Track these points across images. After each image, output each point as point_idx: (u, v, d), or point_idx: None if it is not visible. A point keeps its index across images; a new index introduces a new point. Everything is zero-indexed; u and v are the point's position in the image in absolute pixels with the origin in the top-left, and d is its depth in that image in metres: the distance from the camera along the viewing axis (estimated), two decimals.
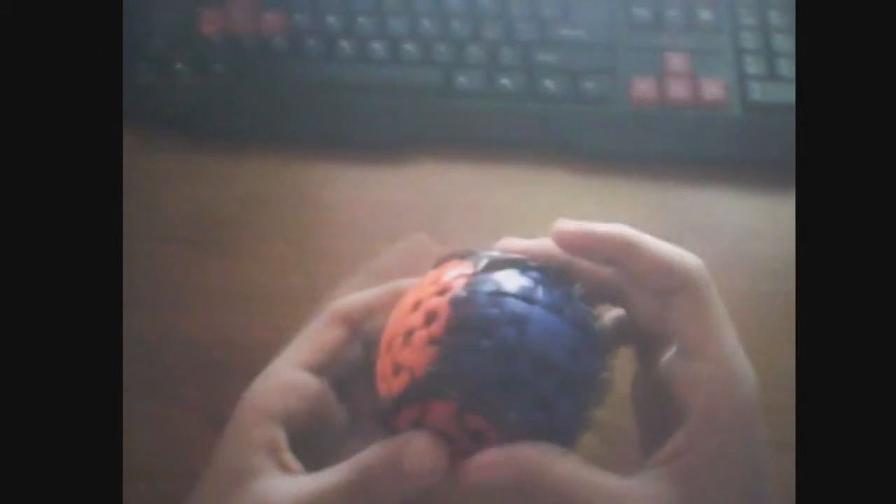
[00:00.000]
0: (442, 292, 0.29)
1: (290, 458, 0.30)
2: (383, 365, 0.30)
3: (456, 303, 0.28)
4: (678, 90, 0.51)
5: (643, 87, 0.51)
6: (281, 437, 0.30)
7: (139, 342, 0.43)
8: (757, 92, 0.51)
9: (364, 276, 0.34)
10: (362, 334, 0.33)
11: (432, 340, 0.28)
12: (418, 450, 0.28)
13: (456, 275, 0.30)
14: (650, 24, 0.55)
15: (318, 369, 0.32)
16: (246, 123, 0.53)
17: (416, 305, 0.29)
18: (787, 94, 0.51)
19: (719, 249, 0.47)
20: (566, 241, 0.31)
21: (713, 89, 0.51)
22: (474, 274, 0.29)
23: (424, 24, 0.54)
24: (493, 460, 0.27)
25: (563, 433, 0.28)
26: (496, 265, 0.30)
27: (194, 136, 0.53)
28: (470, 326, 0.28)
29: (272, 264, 0.47)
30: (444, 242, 0.47)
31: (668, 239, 0.30)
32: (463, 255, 0.31)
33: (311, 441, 0.31)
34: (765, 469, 0.28)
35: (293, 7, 0.56)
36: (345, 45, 0.53)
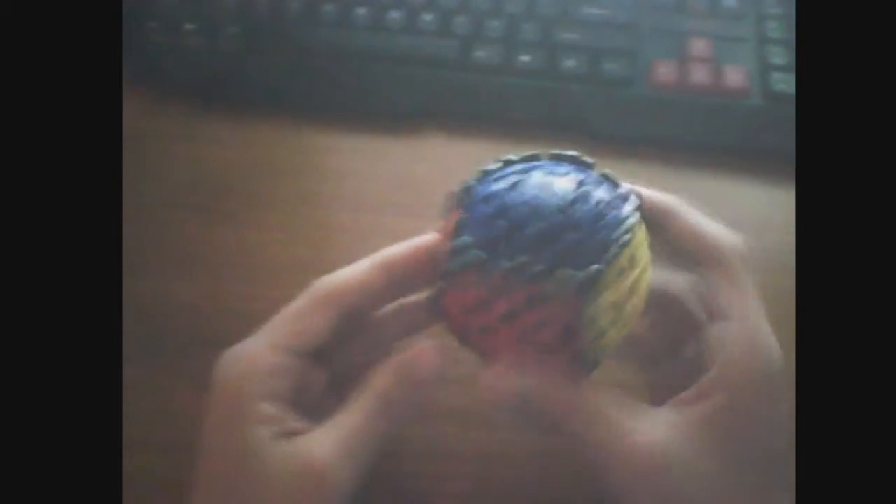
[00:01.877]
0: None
1: (295, 421, 0.30)
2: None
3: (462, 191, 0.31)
4: (700, 76, 0.50)
5: (664, 71, 0.50)
6: (274, 409, 0.30)
7: (140, 309, 0.42)
8: (780, 82, 0.50)
9: (368, 265, 0.32)
10: (348, 312, 0.32)
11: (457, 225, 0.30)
12: (426, 358, 0.30)
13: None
14: (674, 6, 0.53)
15: (303, 353, 0.31)
16: (256, 88, 0.52)
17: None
18: None
19: None
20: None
21: (735, 77, 0.50)
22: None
23: None
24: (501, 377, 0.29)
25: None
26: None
27: (202, 100, 0.52)
28: (477, 199, 0.30)
29: (279, 234, 0.46)
30: None
31: None
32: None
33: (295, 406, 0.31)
34: (783, 443, 0.29)
35: None
36: (361, 11, 0.52)
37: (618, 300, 0.29)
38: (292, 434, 0.29)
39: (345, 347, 0.33)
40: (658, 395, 0.30)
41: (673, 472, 0.27)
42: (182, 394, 0.40)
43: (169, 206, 0.47)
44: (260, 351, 0.31)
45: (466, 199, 0.30)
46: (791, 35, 0.52)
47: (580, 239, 0.28)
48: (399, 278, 0.32)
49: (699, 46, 0.51)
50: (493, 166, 0.32)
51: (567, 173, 0.30)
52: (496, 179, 0.31)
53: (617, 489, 0.28)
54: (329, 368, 0.33)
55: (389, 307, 0.34)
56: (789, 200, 0.47)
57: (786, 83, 0.50)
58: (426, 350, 0.30)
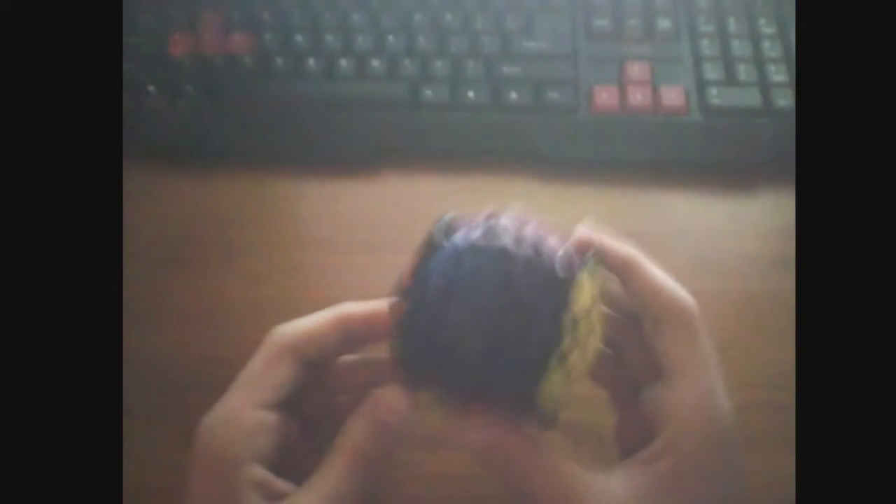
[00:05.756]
0: None
1: (280, 483, 0.30)
2: None
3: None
4: (638, 98, 0.52)
5: (604, 96, 0.53)
6: (263, 472, 0.30)
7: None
8: (715, 97, 0.52)
9: (327, 319, 0.33)
10: (309, 362, 0.33)
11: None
12: (390, 400, 0.30)
13: None
14: (610, 34, 0.56)
15: (276, 405, 0.32)
16: (217, 142, 0.54)
17: None
18: (745, 98, 0.52)
19: (683, 251, 0.48)
20: (581, 248, 0.31)
21: (672, 96, 0.53)
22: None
23: (390, 40, 0.55)
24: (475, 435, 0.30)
25: None
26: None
27: (167, 157, 0.54)
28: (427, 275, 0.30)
29: (244, 279, 0.48)
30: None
31: (631, 241, 0.32)
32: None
33: (278, 465, 0.32)
34: (736, 489, 0.30)
35: (261, 27, 0.57)
36: (313, 62, 0.55)
37: (570, 369, 0.29)
38: (278, 498, 0.30)
39: (310, 396, 0.33)
40: (610, 451, 0.32)
41: None
42: (155, 440, 0.41)
43: (138, 259, 0.49)
44: (241, 411, 0.31)
45: (422, 265, 0.30)
46: (724, 50, 0.55)
47: (523, 326, 0.28)
48: (356, 335, 0.33)
49: (636, 70, 0.54)
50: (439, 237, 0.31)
51: (497, 259, 0.29)
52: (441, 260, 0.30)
53: None
54: (298, 419, 0.33)
55: (351, 357, 0.35)
56: (731, 209, 0.50)
57: (721, 97, 0.52)
58: (389, 393, 0.31)
